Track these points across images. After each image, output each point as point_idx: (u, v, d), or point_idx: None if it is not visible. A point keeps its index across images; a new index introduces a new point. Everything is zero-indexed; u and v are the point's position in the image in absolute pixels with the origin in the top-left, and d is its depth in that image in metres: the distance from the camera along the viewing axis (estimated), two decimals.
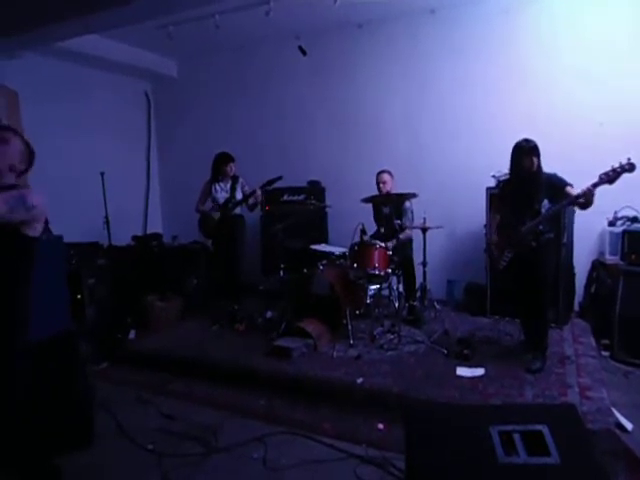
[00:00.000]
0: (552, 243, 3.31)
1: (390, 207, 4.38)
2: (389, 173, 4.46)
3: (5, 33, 4.07)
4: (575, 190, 3.05)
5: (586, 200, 2.98)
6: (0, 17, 3.97)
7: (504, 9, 4.63)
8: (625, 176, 2.84)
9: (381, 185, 4.40)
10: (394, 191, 4.36)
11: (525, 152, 3.16)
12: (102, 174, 5.08)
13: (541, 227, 3.19)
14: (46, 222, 4.25)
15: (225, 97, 6.20)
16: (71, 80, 5.48)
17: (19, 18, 3.91)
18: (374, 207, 4.61)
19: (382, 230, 4.30)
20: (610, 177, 2.84)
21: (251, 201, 4.61)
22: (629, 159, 2.79)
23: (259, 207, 4.87)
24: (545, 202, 3.19)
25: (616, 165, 2.82)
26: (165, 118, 6.76)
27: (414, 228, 4.38)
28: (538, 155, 3.17)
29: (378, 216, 4.57)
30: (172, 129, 6.70)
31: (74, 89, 5.52)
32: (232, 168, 4.71)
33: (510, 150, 3.28)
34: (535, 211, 3.20)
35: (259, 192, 4.54)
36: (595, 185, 2.90)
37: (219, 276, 4.99)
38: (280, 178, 4.49)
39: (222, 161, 4.70)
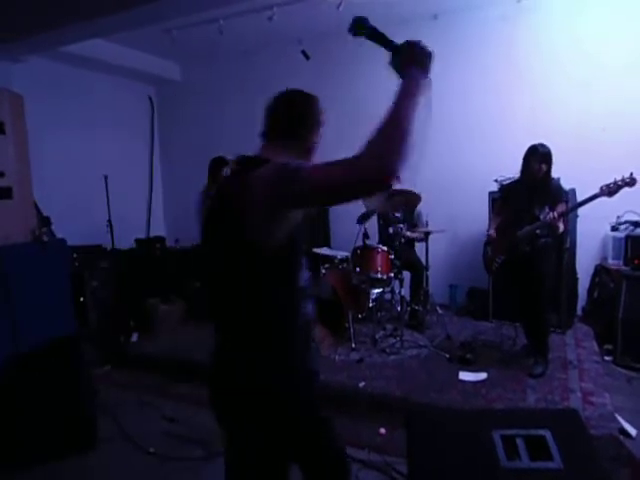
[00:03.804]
0: (549, 247, 3.31)
1: (401, 211, 4.39)
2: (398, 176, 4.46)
3: (10, 38, 4.10)
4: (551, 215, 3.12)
5: (551, 231, 3.17)
6: (5, 22, 4.01)
7: (505, 15, 4.64)
8: None
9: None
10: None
11: (536, 155, 3.17)
12: (105, 177, 5.10)
13: (538, 231, 3.21)
14: (49, 224, 4.32)
15: (228, 101, 6.23)
16: (75, 83, 5.51)
17: (24, 23, 3.94)
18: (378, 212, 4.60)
19: (391, 230, 4.28)
20: (611, 189, 2.91)
21: None
22: (631, 174, 2.85)
23: None
24: (546, 208, 3.20)
25: (618, 178, 2.88)
26: (168, 122, 6.78)
27: (417, 232, 4.40)
28: (548, 162, 3.18)
29: (384, 219, 4.55)
30: (175, 133, 6.73)
31: (78, 92, 5.55)
32: (227, 172, 4.73)
33: (512, 154, 3.30)
34: (534, 216, 3.21)
35: None
36: (584, 202, 3.04)
37: None
38: None
39: (216, 165, 4.69)
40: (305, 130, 1.41)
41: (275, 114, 1.40)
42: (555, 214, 3.05)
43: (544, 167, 3.17)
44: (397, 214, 4.38)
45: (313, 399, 1.43)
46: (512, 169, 3.39)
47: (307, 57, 5.36)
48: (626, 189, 2.90)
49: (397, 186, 4.35)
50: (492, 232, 3.47)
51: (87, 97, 5.66)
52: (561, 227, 3.12)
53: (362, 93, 5.44)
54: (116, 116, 6.05)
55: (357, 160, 0.99)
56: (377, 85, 5.35)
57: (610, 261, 4.14)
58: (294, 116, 1.40)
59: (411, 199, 4.13)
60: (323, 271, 4.17)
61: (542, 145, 3.19)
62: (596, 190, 2.96)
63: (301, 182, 1.08)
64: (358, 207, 4.31)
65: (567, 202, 3.29)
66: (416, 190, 4.08)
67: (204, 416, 3.12)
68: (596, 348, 3.80)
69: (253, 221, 1.15)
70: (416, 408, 2.85)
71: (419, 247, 4.44)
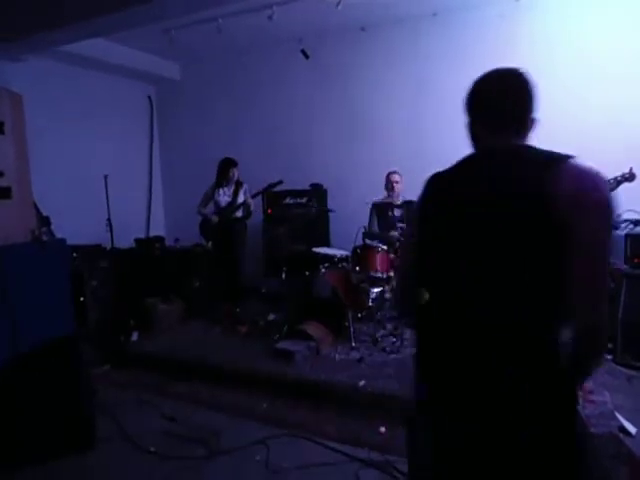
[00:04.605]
0: None
1: (402, 210, 4.40)
2: (399, 174, 4.50)
3: (9, 37, 4.10)
4: None
5: None
6: (4, 21, 4.00)
7: (503, 13, 4.64)
8: None
9: (395, 184, 4.43)
10: (402, 193, 4.42)
11: None
12: (105, 177, 5.10)
13: None
14: (49, 224, 4.31)
15: (227, 100, 6.23)
16: (75, 83, 5.51)
17: (23, 22, 3.94)
18: (378, 210, 4.60)
19: (396, 234, 4.26)
20: (611, 186, 2.92)
21: (247, 210, 4.79)
22: (631, 169, 2.87)
23: (260, 214, 4.99)
24: None
25: (618, 174, 2.90)
26: (168, 121, 6.78)
27: None
28: None
29: (384, 219, 4.55)
30: (175, 132, 6.73)
31: (78, 92, 5.54)
32: (235, 173, 4.82)
33: None
34: None
35: (250, 201, 4.77)
36: None
37: (220, 278, 5.03)
38: (280, 182, 4.55)
39: (224, 166, 4.81)
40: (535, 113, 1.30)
41: (514, 99, 1.28)
42: None
43: None
44: (397, 214, 4.38)
45: None
46: None
47: (306, 56, 5.37)
48: (626, 186, 2.92)
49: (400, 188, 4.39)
50: None
51: (86, 96, 5.66)
52: None
53: (362, 91, 5.45)
54: (115, 115, 6.04)
55: (600, 312, 1.11)
56: (377, 83, 5.38)
57: (610, 260, 4.13)
58: (530, 101, 1.29)
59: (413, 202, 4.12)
60: (323, 270, 4.17)
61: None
62: None
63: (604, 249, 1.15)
64: (360, 208, 4.32)
65: None
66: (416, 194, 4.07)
67: (204, 415, 3.14)
68: None
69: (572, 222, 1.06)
70: None
71: None
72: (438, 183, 1.32)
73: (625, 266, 3.84)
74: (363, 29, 5.28)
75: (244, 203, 4.77)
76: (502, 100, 1.26)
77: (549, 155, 1.17)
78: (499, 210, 1.14)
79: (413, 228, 1.31)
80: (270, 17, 4.54)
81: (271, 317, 4.60)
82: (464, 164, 1.28)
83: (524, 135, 1.27)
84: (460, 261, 1.19)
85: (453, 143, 5.30)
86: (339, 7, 4.33)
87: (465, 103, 1.34)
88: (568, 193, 1.07)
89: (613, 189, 2.97)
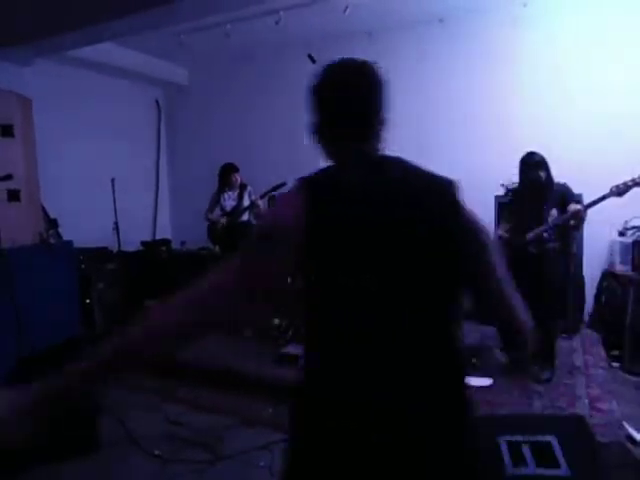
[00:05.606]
0: (557, 252, 3.29)
1: None
2: None
3: (19, 41, 4.14)
4: (576, 207, 3.08)
5: (576, 222, 3.10)
6: (15, 25, 4.05)
7: (512, 19, 4.63)
8: None
9: None
10: None
11: (529, 166, 3.19)
12: (113, 180, 5.13)
13: (546, 235, 3.19)
14: (56, 227, 4.35)
15: (235, 104, 6.25)
16: (83, 87, 5.56)
17: (33, 26, 3.98)
18: None
19: None
20: (620, 190, 2.92)
21: (255, 211, 4.75)
22: None
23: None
24: (553, 211, 3.19)
25: (628, 179, 2.88)
26: (175, 125, 6.82)
27: None
28: (546, 168, 3.19)
29: None
30: (182, 136, 6.76)
31: (86, 96, 5.59)
32: (237, 178, 4.84)
33: (519, 158, 3.30)
34: (542, 221, 3.21)
35: (259, 202, 4.67)
36: (594, 202, 3.02)
37: None
38: (284, 184, 4.55)
39: (226, 172, 4.84)
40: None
41: (374, 96, 1.06)
42: (580, 206, 3.03)
43: (543, 174, 3.18)
44: None
45: None
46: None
47: (313, 61, 5.37)
48: (635, 191, 2.90)
49: None
50: (502, 233, 3.45)
51: (94, 100, 5.70)
52: (586, 213, 3.08)
53: None
54: (123, 119, 6.09)
55: None
56: None
57: (618, 266, 4.11)
58: (384, 97, 1.07)
59: None
60: None
61: (530, 154, 3.22)
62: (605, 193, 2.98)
63: None
64: None
65: (579, 202, 3.25)
66: None
67: (208, 419, 3.13)
68: (603, 354, 3.77)
69: (470, 251, 1.03)
70: None
71: None
72: (333, 196, 1.00)
73: (633, 273, 3.82)
74: (369, 34, 5.29)
75: (252, 205, 4.76)
76: (369, 95, 1.05)
77: (432, 174, 1.10)
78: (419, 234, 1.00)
79: (284, 247, 0.98)
80: (277, 22, 4.57)
81: (276, 321, 4.59)
82: (352, 174, 1.03)
83: (382, 140, 1.08)
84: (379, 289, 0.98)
85: (459, 148, 5.32)
86: (346, 13, 4.34)
87: (316, 98, 1.11)
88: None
89: (622, 193, 2.94)
